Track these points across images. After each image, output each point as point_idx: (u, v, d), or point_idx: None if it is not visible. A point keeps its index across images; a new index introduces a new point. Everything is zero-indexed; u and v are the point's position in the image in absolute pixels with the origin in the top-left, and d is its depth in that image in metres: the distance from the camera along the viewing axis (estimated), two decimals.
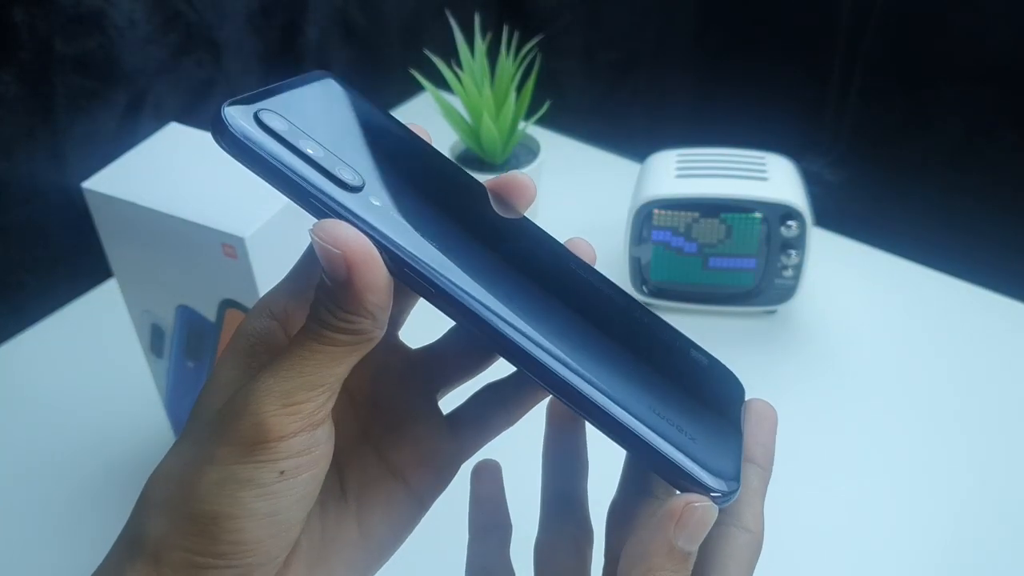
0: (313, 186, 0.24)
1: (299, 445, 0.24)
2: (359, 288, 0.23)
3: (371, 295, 0.24)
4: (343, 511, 0.30)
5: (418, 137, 0.29)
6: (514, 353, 0.26)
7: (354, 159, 0.26)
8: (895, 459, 0.58)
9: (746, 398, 0.30)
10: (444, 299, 0.25)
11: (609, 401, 0.26)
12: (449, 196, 0.28)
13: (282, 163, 0.24)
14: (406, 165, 0.28)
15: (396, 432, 0.31)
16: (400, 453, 0.31)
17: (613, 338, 0.28)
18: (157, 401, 0.55)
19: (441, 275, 0.25)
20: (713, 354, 0.31)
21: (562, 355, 0.26)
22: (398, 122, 0.29)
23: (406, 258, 0.25)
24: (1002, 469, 0.57)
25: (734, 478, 0.26)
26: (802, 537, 0.53)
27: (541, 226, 0.30)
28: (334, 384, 0.25)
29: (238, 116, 0.24)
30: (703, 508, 0.25)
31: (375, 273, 0.23)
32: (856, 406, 0.62)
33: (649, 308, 0.30)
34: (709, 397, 0.29)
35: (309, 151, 0.25)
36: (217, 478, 0.24)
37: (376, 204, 0.25)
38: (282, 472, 0.24)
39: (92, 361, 0.66)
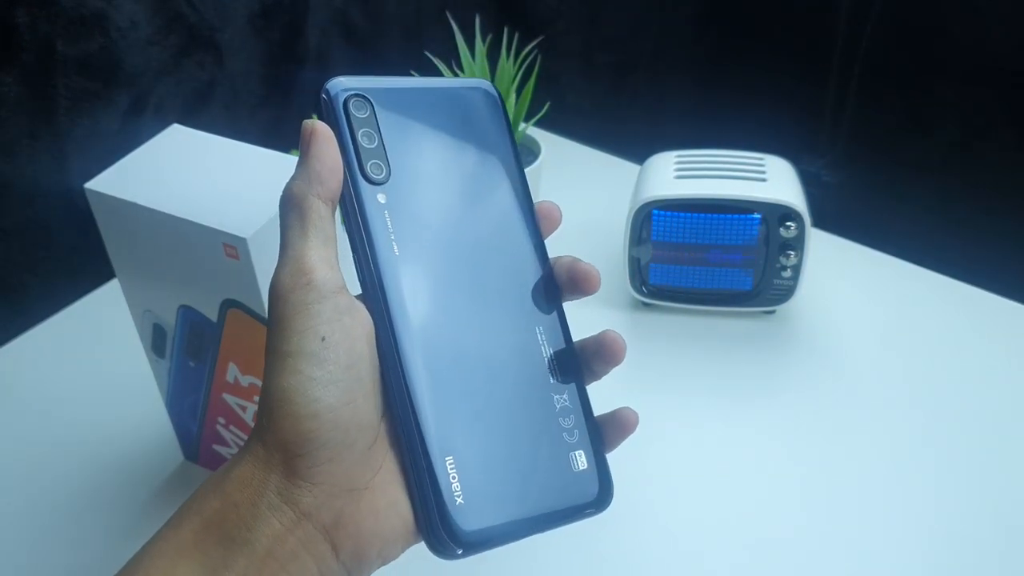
0: (346, 163, 0.31)
1: (329, 309, 0.29)
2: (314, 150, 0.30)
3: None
4: None
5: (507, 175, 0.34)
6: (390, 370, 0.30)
7: (400, 159, 0.32)
8: (894, 459, 0.58)
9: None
10: (369, 291, 0.31)
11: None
12: (465, 222, 0.32)
13: (340, 139, 0.31)
14: (450, 182, 0.33)
15: None
16: None
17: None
18: (159, 401, 0.55)
19: (378, 278, 0.30)
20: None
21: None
22: (511, 147, 0.34)
23: (365, 243, 0.30)
24: (1000, 469, 0.57)
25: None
26: (801, 536, 0.53)
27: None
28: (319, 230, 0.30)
29: (335, 90, 0.31)
30: None
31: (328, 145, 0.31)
32: (854, 406, 0.62)
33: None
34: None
35: (363, 140, 0.31)
36: (274, 359, 0.28)
37: (380, 201, 0.31)
38: (323, 338, 0.28)
39: (94, 361, 0.67)
